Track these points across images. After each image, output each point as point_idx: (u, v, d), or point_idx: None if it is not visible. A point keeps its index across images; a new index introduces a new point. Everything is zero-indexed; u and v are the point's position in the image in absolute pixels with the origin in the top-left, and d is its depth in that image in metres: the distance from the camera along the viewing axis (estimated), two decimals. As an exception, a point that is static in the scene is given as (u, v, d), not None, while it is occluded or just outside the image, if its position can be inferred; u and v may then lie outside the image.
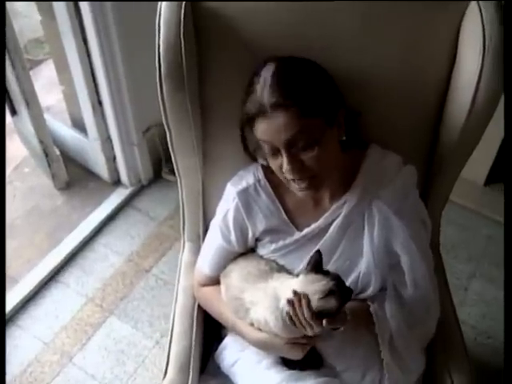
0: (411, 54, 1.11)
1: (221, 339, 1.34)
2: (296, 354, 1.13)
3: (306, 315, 1.01)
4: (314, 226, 1.13)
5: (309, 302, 0.99)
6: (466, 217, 2.18)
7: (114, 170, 2.25)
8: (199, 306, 1.30)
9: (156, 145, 2.25)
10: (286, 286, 1.07)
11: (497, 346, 1.87)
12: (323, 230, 1.12)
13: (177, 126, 1.11)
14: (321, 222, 1.12)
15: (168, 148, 2.27)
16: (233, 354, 1.25)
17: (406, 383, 1.17)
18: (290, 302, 1.02)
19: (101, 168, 2.25)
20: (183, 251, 1.41)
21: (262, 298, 1.10)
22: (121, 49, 1.84)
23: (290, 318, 1.04)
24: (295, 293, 1.02)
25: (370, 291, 1.13)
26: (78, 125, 2.26)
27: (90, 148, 2.22)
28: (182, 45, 1.00)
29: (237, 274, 1.18)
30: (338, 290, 1.01)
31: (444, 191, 1.28)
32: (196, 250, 1.39)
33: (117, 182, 2.30)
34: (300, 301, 1.00)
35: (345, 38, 1.10)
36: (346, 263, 1.12)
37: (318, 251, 1.05)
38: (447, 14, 1.07)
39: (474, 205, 2.21)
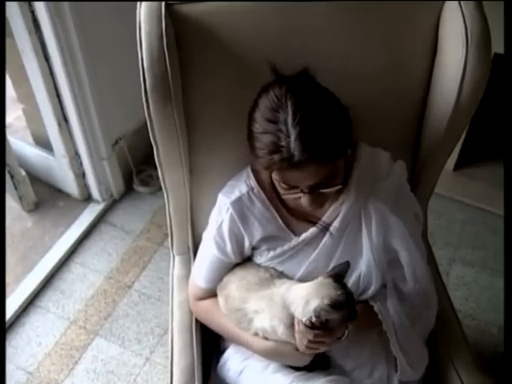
0: (393, 52, 1.12)
1: (219, 351, 1.32)
2: (305, 360, 1.13)
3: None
4: (311, 230, 1.12)
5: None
6: (439, 203, 2.22)
7: (83, 186, 2.19)
8: (196, 319, 1.27)
9: (126, 157, 2.20)
10: (295, 292, 1.06)
11: (482, 326, 1.92)
12: (321, 233, 1.12)
13: (164, 140, 1.08)
14: (318, 225, 1.11)
15: (138, 159, 2.26)
16: (237, 363, 1.23)
17: (415, 377, 1.18)
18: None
19: (70, 185, 2.18)
20: (173, 265, 1.38)
21: (268, 306, 1.09)
22: (85, 62, 1.78)
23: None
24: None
25: (371, 291, 1.13)
26: (42, 143, 2.18)
27: (56, 166, 2.14)
28: (167, 56, 0.97)
29: (235, 285, 1.16)
30: (347, 307, 1.00)
31: (431, 182, 1.30)
32: (187, 263, 1.37)
33: (88, 199, 2.23)
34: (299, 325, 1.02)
35: (329, 40, 1.10)
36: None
37: (347, 262, 1.04)
38: (424, 12, 1.09)
39: (445, 190, 2.25)
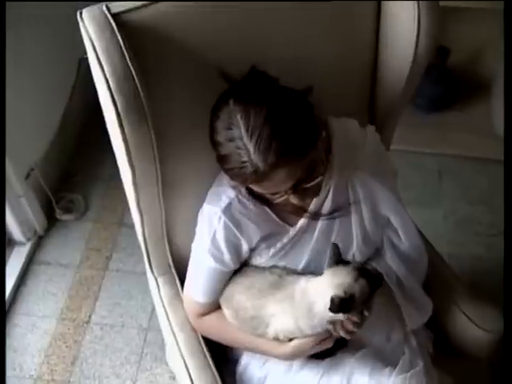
0: (337, 25, 1.13)
1: (228, 359, 1.28)
2: (328, 344, 1.12)
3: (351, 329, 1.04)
4: (305, 215, 1.10)
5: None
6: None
7: (2, 230, 1.97)
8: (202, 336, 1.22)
9: (41, 188, 2.01)
10: (313, 287, 1.05)
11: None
12: (316, 217, 1.10)
13: (141, 161, 0.99)
14: (311, 208, 1.09)
15: (53, 186, 2.08)
16: (258, 370, 1.20)
17: (423, 320, 1.22)
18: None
19: (-14, 234, 1.96)
20: (158, 288, 1.29)
21: (290, 307, 1.06)
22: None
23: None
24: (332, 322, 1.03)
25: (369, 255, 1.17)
26: None
27: (-35, 217, 1.90)
28: (133, 72, 0.88)
29: (245, 295, 1.12)
30: (365, 276, 1.01)
31: (389, 139, 1.33)
32: (172, 281, 1.30)
33: (10, 243, 2.01)
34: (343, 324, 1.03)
35: (282, 26, 1.07)
36: (345, 241, 1.12)
37: (335, 244, 1.04)
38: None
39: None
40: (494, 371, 1.30)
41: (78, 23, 0.92)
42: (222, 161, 0.93)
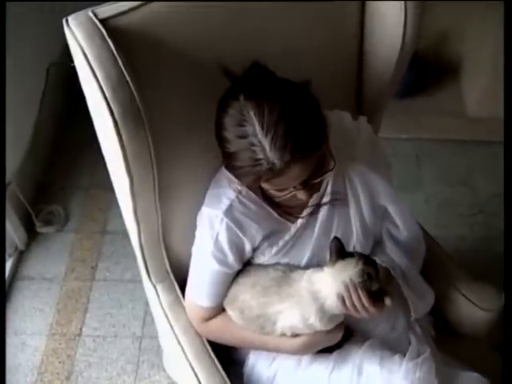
0: (323, 19, 1.13)
1: (233, 362, 1.27)
2: (337, 336, 1.13)
3: (365, 303, 1.01)
4: (305, 212, 1.10)
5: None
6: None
7: (-19, 248, 1.90)
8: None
9: (20, 201, 1.95)
10: (318, 282, 1.05)
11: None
12: (315, 213, 1.10)
13: (139, 169, 0.96)
14: (311, 202, 1.09)
15: (31, 199, 2.03)
16: (266, 369, 1.20)
17: (427, 308, 1.24)
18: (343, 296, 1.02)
19: (-35, 253, 1.89)
20: (158, 295, 1.27)
21: (297, 303, 1.06)
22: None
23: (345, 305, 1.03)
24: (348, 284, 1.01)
25: (368, 249, 1.17)
26: None
27: None
28: (128, 78, 0.86)
29: (249, 294, 1.11)
30: (371, 268, 1.02)
31: (376, 131, 1.34)
32: (170, 287, 1.27)
33: (-10, 260, 1.96)
34: (356, 290, 1.00)
35: (272, 22, 1.06)
36: (345, 235, 1.12)
37: (336, 238, 1.04)
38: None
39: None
40: (494, 349, 1.33)
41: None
42: (231, 158, 0.91)
